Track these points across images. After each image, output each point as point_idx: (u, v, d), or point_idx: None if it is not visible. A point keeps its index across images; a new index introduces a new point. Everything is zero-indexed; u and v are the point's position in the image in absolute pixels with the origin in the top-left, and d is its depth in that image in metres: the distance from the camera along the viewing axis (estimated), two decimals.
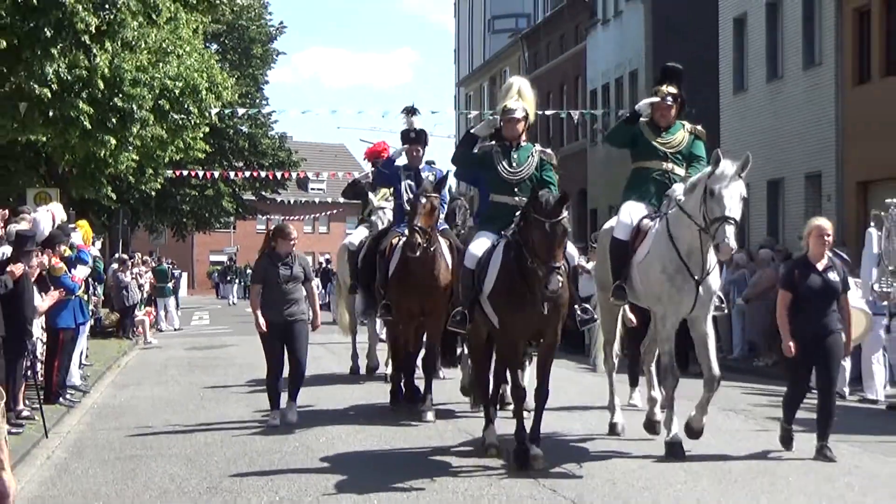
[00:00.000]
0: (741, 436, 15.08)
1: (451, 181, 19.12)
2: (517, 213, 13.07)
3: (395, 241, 17.48)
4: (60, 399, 18.55)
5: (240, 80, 55.60)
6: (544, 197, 12.37)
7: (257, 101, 62.85)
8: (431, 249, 16.46)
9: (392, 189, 21.40)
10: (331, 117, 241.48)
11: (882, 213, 18.68)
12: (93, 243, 25.99)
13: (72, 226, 21.65)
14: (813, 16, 33.21)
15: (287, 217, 78.31)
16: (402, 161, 18.72)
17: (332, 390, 20.11)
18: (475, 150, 14.45)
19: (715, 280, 13.74)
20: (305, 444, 14.33)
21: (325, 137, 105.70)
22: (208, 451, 14.14)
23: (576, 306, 13.33)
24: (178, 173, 47.54)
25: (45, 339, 18.33)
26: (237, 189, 62.42)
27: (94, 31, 21.95)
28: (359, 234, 21.84)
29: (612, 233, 14.59)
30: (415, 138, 18.42)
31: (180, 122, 33.46)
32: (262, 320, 15.93)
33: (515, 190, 13.79)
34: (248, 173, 58.29)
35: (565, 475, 12.45)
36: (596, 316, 14.40)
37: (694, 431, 13.57)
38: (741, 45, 37.85)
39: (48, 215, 19.33)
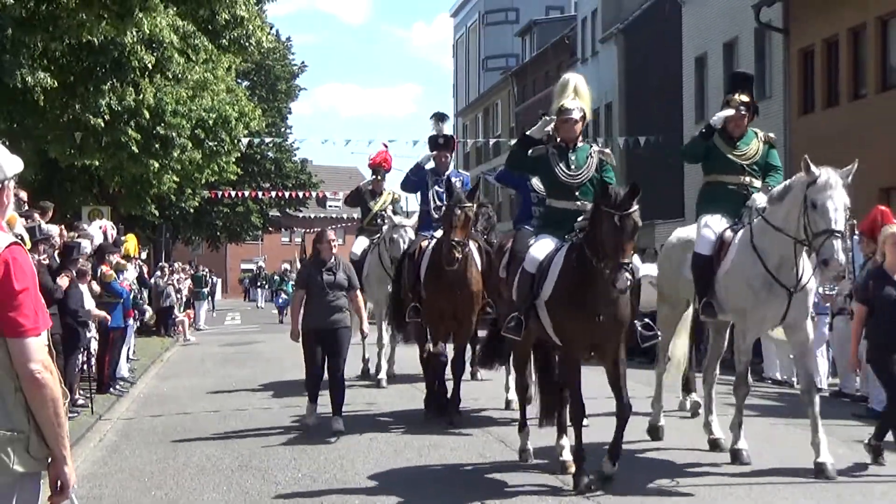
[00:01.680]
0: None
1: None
2: (579, 219, 10.98)
3: (424, 244, 15.59)
4: (111, 389, 18.57)
5: (266, 112, 55.61)
6: (614, 190, 10.28)
7: (282, 130, 63.25)
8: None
9: (391, 198, 20.69)
10: (345, 145, 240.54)
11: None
12: (139, 254, 26.02)
13: (123, 238, 21.69)
14: (764, 55, 33.21)
15: (308, 230, 78.79)
16: (429, 166, 16.50)
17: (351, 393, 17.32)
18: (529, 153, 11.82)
19: (812, 288, 11.67)
20: (326, 426, 14.27)
21: (340, 161, 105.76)
22: (239, 434, 14.09)
23: (636, 321, 11.02)
24: (213, 193, 47.54)
25: (97, 337, 18.30)
26: (264, 206, 62.46)
27: (149, 67, 22.02)
28: (360, 244, 20.15)
29: (681, 245, 12.87)
30: (443, 144, 16.51)
31: (214, 148, 33.60)
32: (298, 329, 14.20)
33: (577, 194, 11.47)
34: (274, 193, 58.53)
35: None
36: (659, 333, 11.63)
37: (825, 463, 10.81)
38: (702, 81, 37.82)
39: (100, 230, 19.39)
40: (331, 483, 10.84)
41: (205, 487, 10.81)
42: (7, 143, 12.01)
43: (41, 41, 19.00)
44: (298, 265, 57.31)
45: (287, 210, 66.06)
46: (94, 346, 18.24)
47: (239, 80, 49.64)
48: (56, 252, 15.97)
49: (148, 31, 20.74)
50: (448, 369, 14.94)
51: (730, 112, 12.49)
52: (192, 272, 45.46)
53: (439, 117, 16.99)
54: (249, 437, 13.87)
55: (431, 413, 15.03)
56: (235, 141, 35.36)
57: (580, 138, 11.80)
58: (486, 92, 71.43)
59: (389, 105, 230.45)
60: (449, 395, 14.91)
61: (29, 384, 4.55)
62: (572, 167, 11.50)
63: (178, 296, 36.49)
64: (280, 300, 50.72)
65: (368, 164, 21.20)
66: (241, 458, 12.36)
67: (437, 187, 16.05)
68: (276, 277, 60.98)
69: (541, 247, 11.39)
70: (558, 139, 11.75)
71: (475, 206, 14.60)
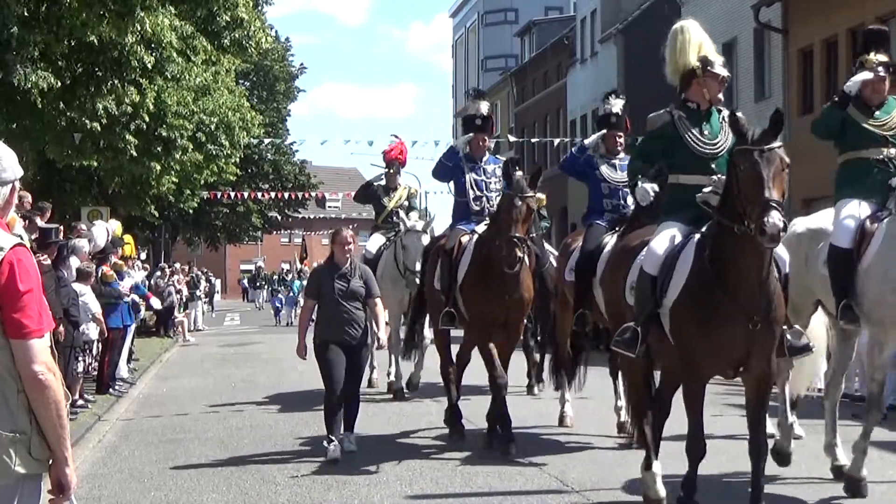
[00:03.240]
0: None
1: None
2: (705, 189, 9.01)
3: (464, 239, 13.21)
4: (111, 390, 18.59)
5: (266, 114, 55.66)
6: (751, 129, 8.36)
7: (281, 131, 63.20)
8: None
9: (406, 193, 19.15)
10: (344, 145, 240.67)
11: None
12: (138, 255, 26.06)
13: (122, 239, 21.73)
14: (763, 55, 33.27)
15: (307, 231, 78.85)
16: (464, 151, 14.15)
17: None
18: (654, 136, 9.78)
19: None
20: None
21: (339, 162, 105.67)
22: (239, 435, 14.12)
23: (785, 328, 8.94)
24: (212, 194, 47.53)
25: (98, 339, 18.34)
26: (264, 207, 62.44)
27: (148, 67, 22.04)
28: (375, 242, 18.60)
29: (810, 235, 10.68)
30: (481, 126, 14.16)
31: (214, 152, 33.70)
32: (304, 344, 12.57)
33: (712, 166, 9.29)
34: (273, 194, 58.50)
35: None
36: (812, 344, 9.48)
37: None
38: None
39: (104, 231, 19.41)
40: (330, 484, 10.85)
41: (204, 488, 10.83)
42: (7, 143, 12.00)
43: (41, 41, 19.00)
44: (298, 265, 57.68)
45: (286, 211, 66.07)
46: (96, 349, 18.29)
47: (239, 82, 49.65)
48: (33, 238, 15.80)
49: (150, 31, 20.73)
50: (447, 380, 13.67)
51: (867, 75, 10.41)
52: (189, 275, 45.46)
53: (476, 94, 15.09)
54: (248, 437, 13.90)
55: (456, 436, 13.29)
56: (237, 145, 35.44)
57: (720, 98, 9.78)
58: (485, 92, 71.42)
59: (388, 106, 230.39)
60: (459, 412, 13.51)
61: (32, 386, 4.57)
62: (706, 134, 9.56)
63: (178, 296, 36.52)
64: (277, 301, 50.57)
65: (384, 159, 19.82)
66: (240, 458, 12.38)
67: (473, 175, 13.91)
68: (274, 277, 61.10)
69: (664, 239, 9.27)
70: (687, 101, 9.77)
71: (537, 195, 12.52)
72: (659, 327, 9.09)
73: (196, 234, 62.88)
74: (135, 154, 26.43)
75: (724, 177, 8.80)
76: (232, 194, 51.18)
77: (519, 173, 12.57)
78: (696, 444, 8.83)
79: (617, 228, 12.61)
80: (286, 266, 66.59)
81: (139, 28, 19.63)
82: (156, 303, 16.64)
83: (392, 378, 18.03)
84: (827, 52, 29.60)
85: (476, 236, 13.01)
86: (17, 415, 4.60)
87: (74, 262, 16.80)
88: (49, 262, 14.91)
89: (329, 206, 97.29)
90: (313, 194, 63.83)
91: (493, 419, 12.84)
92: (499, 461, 11.79)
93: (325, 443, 12.08)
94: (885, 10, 26.57)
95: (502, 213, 12.09)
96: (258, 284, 72.28)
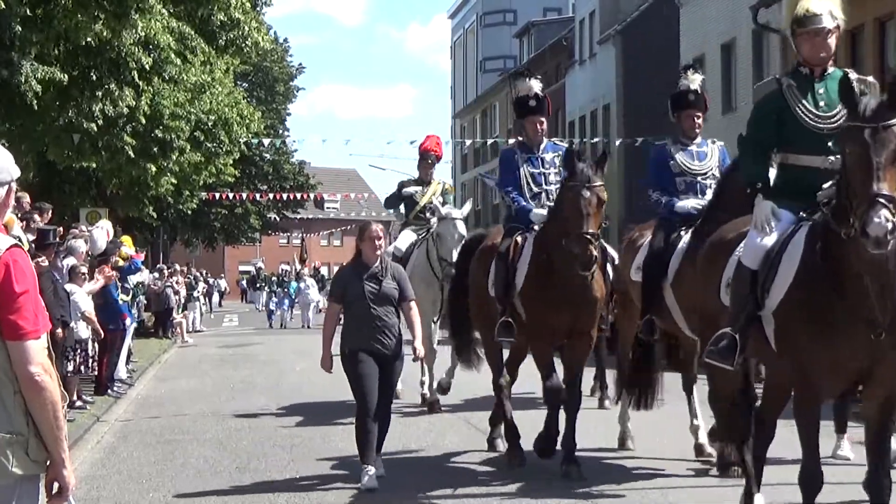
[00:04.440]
0: None
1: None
2: (825, 186, 7.39)
3: (519, 239, 11.42)
4: (109, 391, 18.57)
5: (265, 114, 55.69)
6: (865, 101, 6.80)
7: (280, 132, 63.27)
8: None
9: (441, 188, 17.46)
10: (343, 146, 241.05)
11: None
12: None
13: (120, 241, 21.73)
14: (762, 56, 33.31)
15: (306, 232, 78.83)
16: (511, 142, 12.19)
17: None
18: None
19: None
20: (324, 432, 14.26)
21: (338, 163, 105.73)
22: (238, 436, 14.10)
23: None
24: (211, 195, 47.51)
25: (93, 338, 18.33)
26: (262, 208, 62.48)
27: (146, 68, 22.05)
28: (406, 239, 17.00)
29: None
30: (535, 108, 12.06)
31: (213, 150, 33.71)
32: (330, 355, 10.96)
33: (829, 145, 7.74)
34: (272, 195, 58.54)
35: None
36: None
37: None
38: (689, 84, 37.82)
39: (103, 232, 19.41)
40: (330, 486, 10.83)
41: (202, 489, 10.80)
42: (6, 144, 12.01)
43: (38, 43, 19.00)
44: (297, 267, 57.67)
45: (285, 212, 66.07)
46: (90, 347, 18.27)
47: (237, 82, 49.68)
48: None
49: (144, 34, 20.73)
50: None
51: None
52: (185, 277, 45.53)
53: (524, 74, 12.77)
54: (247, 438, 13.87)
55: (515, 460, 11.50)
56: (236, 142, 35.46)
57: (832, 62, 8.14)
58: (483, 93, 71.42)
59: (386, 106, 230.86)
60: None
61: (28, 387, 4.56)
62: (821, 104, 7.95)
63: (177, 297, 36.55)
64: (271, 303, 50.15)
65: (419, 150, 18.13)
66: (239, 460, 12.35)
67: (529, 167, 11.87)
68: (273, 279, 61.10)
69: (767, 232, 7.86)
70: (801, 64, 8.14)
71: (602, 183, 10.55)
72: (760, 333, 7.71)
73: (194, 235, 62.89)
74: (132, 155, 26.44)
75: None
76: (230, 195, 51.17)
77: (556, 160, 11.64)
78: (811, 475, 7.39)
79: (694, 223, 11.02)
80: (286, 267, 66.53)
81: (135, 30, 19.63)
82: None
83: (426, 390, 16.22)
84: None
85: (534, 235, 11.23)
86: (14, 416, 4.59)
87: (70, 261, 16.77)
88: (47, 263, 14.90)
89: (328, 207, 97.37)
90: (312, 195, 63.84)
91: (569, 446, 10.89)
92: (554, 490, 10.22)
93: (363, 473, 10.44)
94: (885, 12, 26.58)
95: (568, 207, 10.36)
96: (258, 286, 72.33)
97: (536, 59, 58.90)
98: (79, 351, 16.49)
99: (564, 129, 52.72)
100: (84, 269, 17.06)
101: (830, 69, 8.03)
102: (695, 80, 11.93)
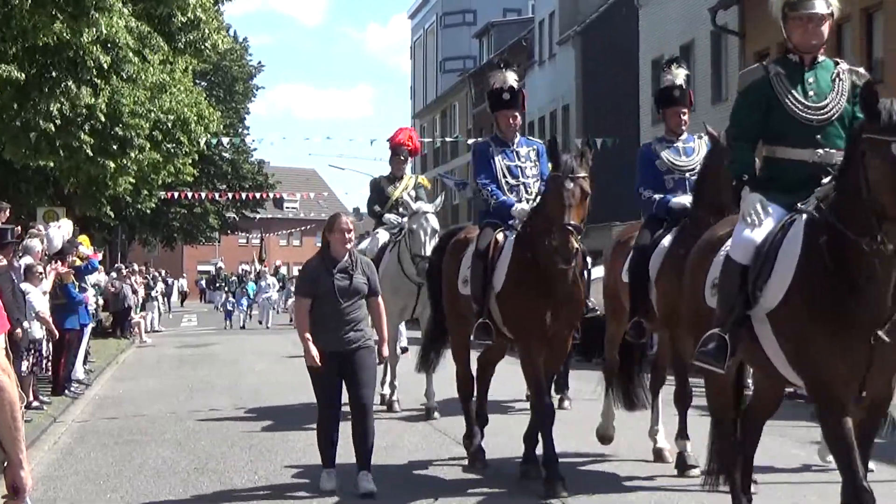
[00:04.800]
0: None
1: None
2: (824, 181, 7.12)
3: (499, 237, 10.95)
4: (66, 391, 18.45)
5: (224, 113, 55.54)
6: (886, 106, 6.33)
7: (239, 131, 63.09)
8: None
9: (413, 182, 16.77)
10: (303, 145, 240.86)
11: None
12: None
13: (77, 240, 21.60)
14: (720, 58, 33.49)
15: (265, 233, 78.72)
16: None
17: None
18: None
19: None
20: (283, 433, 14.24)
21: (297, 163, 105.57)
22: (196, 437, 14.05)
23: None
24: (169, 194, 47.28)
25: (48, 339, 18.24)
26: (221, 208, 62.38)
27: (104, 67, 21.93)
28: (378, 239, 16.28)
29: None
30: (509, 101, 11.70)
31: (172, 150, 33.57)
32: (314, 350, 9.92)
33: (818, 137, 7.44)
34: (230, 194, 58.38)
35: None
36: None
37: None
38: (659, 83, 37.96)
39: (59, 231, 19.30)
40: (288, 486, 10.81)
41: (161, 490, 10.77)
42: None
43: None
44: (257, 266, 57.53)
45: (244, 212, 65.94)
46: (44, 348, 18.17)
47: (197, 82, 49.49)
48: None
49: (104, 32, 20.62)
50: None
51: None
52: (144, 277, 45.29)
53: (502, 64, 12.35)
54: (205, 439, 13.82)
55: (478, 464, 11.28)
56: (195, 142, 35.32)
57: (822, 51, 7.74)
58: (443, 93, 71.45)
59: (345, 106, 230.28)
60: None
61: None
62: (811, 94, 7.55)
63: (135, 297, 36.36)
64: (228, 303, 49.63)
65: (390, 145, 17.48)
66: (197, 460, 12.31)
67: (504, 160, 11.46)
68: (234, 279, 60.87)
69: (758, 225, 7.38)
70: (790, 51, 7.77)
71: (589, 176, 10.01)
72: (750, 333, 7.20)
73: (153, 234, 62.67)
74: (91, 153, 26.30)
75: (832, 151, 7.31)
76: (189, 194, 50.99)
77: (531, 154, 11.44)
78: (855, 496, 6.48)
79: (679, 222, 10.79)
80: (246, 267, 66.36)
81: (94, 30, 19.53)
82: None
83: (385, 389, 15.90)
84: (784, 53, 29.77)
85: (515, 233, 10.76)
86: None
87: (26, 261, 16.67)
88: (5, 263, 14.81)
89: (287, 207, 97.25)
90: (271, 195, 63.76)
91: (531, 445, 10.70)
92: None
93: (323, 475, 10.30)
94: (839, 16, 26.63)
95: (551, 198, 9.96)
96: (217, 286, 72.16)
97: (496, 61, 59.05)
98: (33, 351, 16.38)
99: (524, 129, 52.71)
100: (41, 269, 16.95)
101: (821, 58, 7.67)
102: (679, 76, 11.67)
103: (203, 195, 54.14)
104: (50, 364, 18.09)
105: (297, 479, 11.15)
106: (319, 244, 10.83)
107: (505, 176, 11.36)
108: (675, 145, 11.49)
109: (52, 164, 28.46)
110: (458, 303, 11.46)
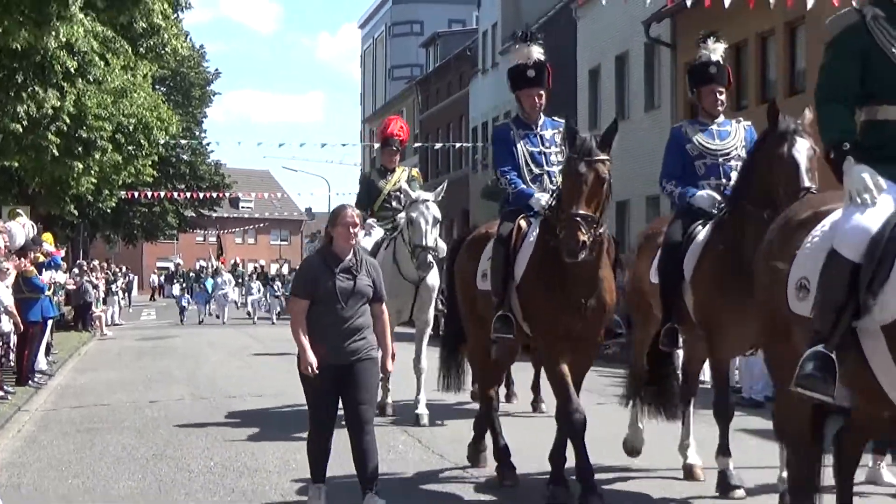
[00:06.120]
0: None
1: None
2: None
3: (523, 224, 9.48)
4: (30, 382, 18.28)
5: (182, 117, 55.25)
6: None
7: (197, 134, 62.95)
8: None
9: (406, 175, 14.92)
10: (257, 148, 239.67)
11: None
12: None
13: (41, 239, 21.43)
14: (653, 68, 33.70)
15: (221, 230, 78.39)
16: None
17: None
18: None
19: None
20: (237, 421, 14.18)
21: (252, 165, 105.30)
22: (155, 425, 13.95)
23: None
24: (130, 194, 46.96)
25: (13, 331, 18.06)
26: (180, 207, 62.14)
27: (71, 71, 21.74)
28: (376, 235, 14.47)
29: None
30: (534, 78, 10.43)
31: (133, 151, 33.40)
32: (312, 357, 8.15)
33: None
34: (188, 194, 58.21)
35: None
36: None
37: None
38: (595, 91, 38.22)
39: (21, 227, 19.12)
40: (243, 471, 10.74)
41: (121, 476, 10.68)
42: None
43: None
44: (214, 263, 57.17)
45: (201, 211, 65.69)
46: (13, 340, 18.01)
47: (156, 87, 49.24)
48: None
49: (65, 39, 20.42)
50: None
51: None
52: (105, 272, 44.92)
53: (526, 37, 10.75)
54: (164, 427, 13.73)
55: (508, 481, 9.64)
56: (154, 144, 35.16)
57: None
58: (392, 99, 71.47)
59: (298, 112, 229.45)
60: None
61: None
62: None
63: (96, 292, 36.11)
64: (184, 299, 48.99)
65: (380, 137, 16.04)
66: (155, 447, 12.22)
67: (527, 145, 10.11)
68: (191, 275, 60.62)
69: (873, 208, 5.59)
70: None
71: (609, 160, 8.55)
72: (857, 350, 5.51)
73: (114, 232, 62.35)
74: (56, 154, 26.09)
75: None
76: (149, 194, 50.71)
77: (556, 138, 9.90)
78: None
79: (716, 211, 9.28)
80: (203, 263, 66.08)
81: (57, 35, 19.35)
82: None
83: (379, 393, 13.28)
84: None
85: (540, 220, 9.24)
86: None
87: None
88: None
89: (242, 207, 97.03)
90: (227, 195, 63.55)
91: (559, 463, 9.07)
92: None
93: (311, 491, 8.67)
94: (766, 28, 26.92)
95: (563, 183, 8.66)
96: (175, 281, 71.80)
97: (441, 68, 59.03)
98: (1, 343, 16.24)
99: (468, 134, 52.95)
100: (5, 265, 16.79)
101: None
102: (716, 50, 9.90)
103: (162, 194, 53.89)
104: (14, 355, 17.98)
105: (251, 463, 11.08)
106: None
107: (528, 164, 9.97)
108: (709, 128, 9.84)
109: (16, 164, 28.22)
110: (477, 303, 10.01)
